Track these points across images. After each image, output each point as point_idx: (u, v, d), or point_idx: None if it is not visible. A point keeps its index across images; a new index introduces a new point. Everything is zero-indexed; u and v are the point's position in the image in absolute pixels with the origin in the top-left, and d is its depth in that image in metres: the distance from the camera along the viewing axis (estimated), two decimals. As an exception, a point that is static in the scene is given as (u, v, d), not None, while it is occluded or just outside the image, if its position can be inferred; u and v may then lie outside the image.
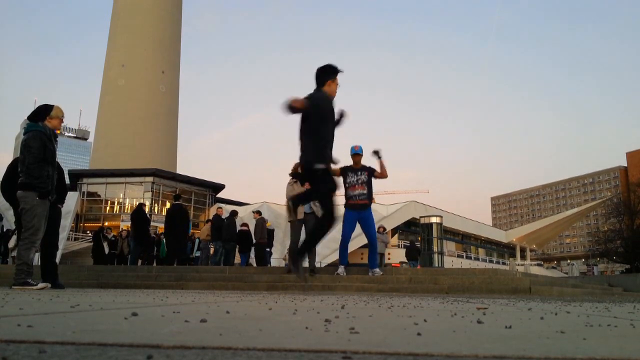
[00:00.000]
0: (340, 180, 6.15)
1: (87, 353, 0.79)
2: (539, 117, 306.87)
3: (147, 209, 16.45)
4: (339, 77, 3.91)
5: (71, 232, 32.05)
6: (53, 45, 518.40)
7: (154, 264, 13.13)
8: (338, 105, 3.98)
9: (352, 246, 6.77)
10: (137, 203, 13.32)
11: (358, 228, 6.47)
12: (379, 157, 6.11)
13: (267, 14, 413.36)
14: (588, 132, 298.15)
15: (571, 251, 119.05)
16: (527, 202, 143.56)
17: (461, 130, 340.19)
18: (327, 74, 3.85)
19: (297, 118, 3.82)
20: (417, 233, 32.21)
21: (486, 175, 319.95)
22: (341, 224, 5.67)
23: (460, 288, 5.92)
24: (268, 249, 13.50)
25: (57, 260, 5.51)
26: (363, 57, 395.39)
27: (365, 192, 6.29)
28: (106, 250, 13.44)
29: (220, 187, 41.17)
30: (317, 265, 7.98)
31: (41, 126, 4.67)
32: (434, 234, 25.40)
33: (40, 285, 4.47)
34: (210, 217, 15.99)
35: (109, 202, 38.45)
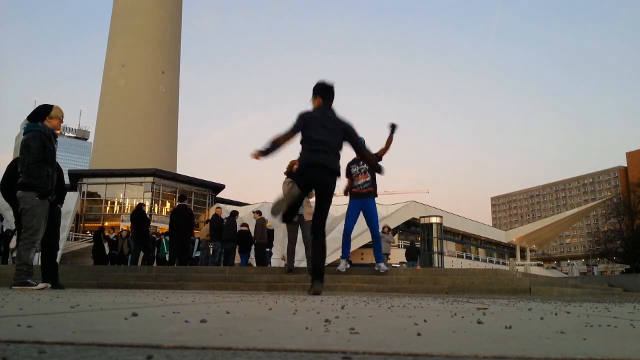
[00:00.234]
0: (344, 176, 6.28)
1: (87, 353, 0.79)
2: (539, 117, 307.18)
3: (147, 209, 16.46)
4: (322, 94, 4.19)
5: (71, 232, 32.04)
6: (53, 45, 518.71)
7: (154, 264, 13.14)
8: (339, 111, 4.21)
9: (353, 246, 6.75)
10: (137, 203, 13.32)
11: (359, 228, 6.47)
12: (392, 132, 6.22)
13: (267, 14, 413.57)
14: (588, 132, 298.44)
15: (571, 251, 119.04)
16: (527, 202, 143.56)
17: (461, 130, 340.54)
18: (313, 92, 4.23)
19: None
20: (417, 233, 32.21)
21: (486, 175, 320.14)
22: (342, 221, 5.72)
23: (460, 288, 5.92)
24: (268, 249, 13.50)
25: (57, 260, 5.52)
26: (363, 57, 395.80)
27: (368, 179, 6.32)
28: (107, 250, 13.44)
29: (220, 187, 41.19)
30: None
31: (41, 126, 4.67)
32: (434, 234, 25.39)
33: (40, 285, 4.47)
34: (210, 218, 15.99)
35: (109, 202, 38.46)
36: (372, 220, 6.45)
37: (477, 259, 52.61)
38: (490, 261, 53.79)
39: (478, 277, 6.54)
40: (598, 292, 8.11)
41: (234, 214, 12.49)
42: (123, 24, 55.59)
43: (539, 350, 0.90)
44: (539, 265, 64.84)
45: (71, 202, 31.00)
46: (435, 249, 24.95)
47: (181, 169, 66.13)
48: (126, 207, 36.84)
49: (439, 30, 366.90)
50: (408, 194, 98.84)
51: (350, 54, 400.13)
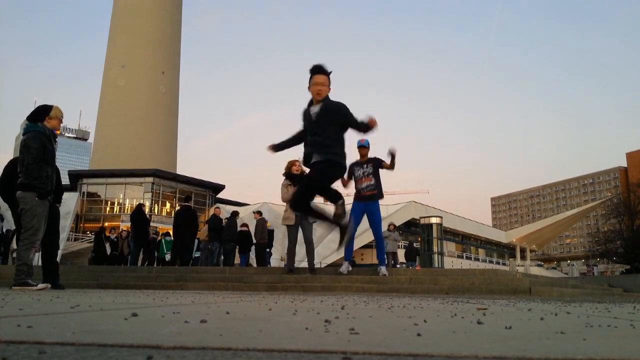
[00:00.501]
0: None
1: (87, 354, 0.79)
2: (539, 118, 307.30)
3: (146, 210, 16.47)
4: (317, 76, 3.73)
5: (71, 233, 32.03)
6: (53, 45, 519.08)
7: (154, 264, 13.14)
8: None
9: (354, 245, 6.76)
10: (137, 204, 13.32)
11: (359, 228, 6.46)
12: (393, 159, 6.01)
13: (267, 14, 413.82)
14: (588, 132, 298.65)
15: (571, 252, 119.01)
16: (527, 202, 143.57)
17: (461, 130, 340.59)
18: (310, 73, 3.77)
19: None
20: (417, 233, 32.20)
21: (486, 175, 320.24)
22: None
23: (460, 289, 5.92)
24: (268, 250, 13.49)
25: (58, 260, 5.51)
26: (363, 57, 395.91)
27: (372, 183, 6.32)
28: (108, 251, 13.43)
29: (220, 188, 41.17)
30: (317, 265, 7.97)
31: (40, 126, 4.67)
32: (434, 234, 25.38)
33: (40, 285, 4.46)
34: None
35: (109, 202, 38.44)
36: (375, 224, 6.46)
37: (477, 259, 52.61)
38: (490, 261, 53.79)
39: (478, 277, 6.54)
40: (598, 292, 8.10)
41: (235, 214, 12.49)
42: (123, 24, 55.60)
43: (539, 351, 0.90)
44: (539, 265, 64.87)
45: (71, 202, 31.00)
46: (435, 249, 24.94)
47: (181, 170, 66.25)
48: (126, 208, 36.81)
49: (439, 30, 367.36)
50: (408, 194, 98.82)
51: (350, 54, 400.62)
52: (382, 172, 6.43)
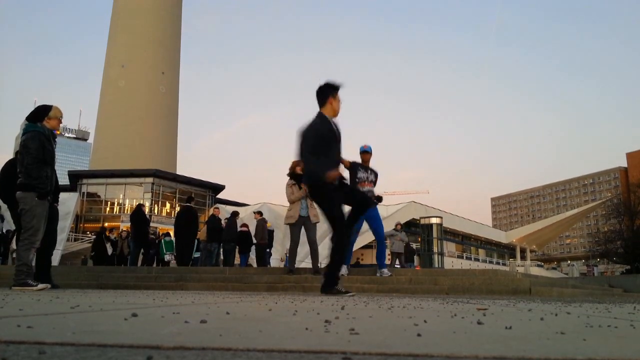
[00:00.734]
0: (347, 174, 6.24)
1: (87, 354, 0.79)
2: (539, 118, 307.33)
3: (146, 210, 16.46)
4: (340, 92, 4.01)
5: (71, 233, 32.01)
6: (53, 45, 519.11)
7: (154, 265, 13.13)
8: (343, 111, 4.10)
9: (354, 246, 6.76)
10: (137, 204, 13.32)
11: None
12: (377, 201, 6.21)
13: (267, 14, 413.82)
14: (588, 132, 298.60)
15: (571, 252, 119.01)
16: (527, 202, 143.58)
17: (461, 130, 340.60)
18: (327, 92, 3.98)
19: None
20: (417, 234, 32.21)
21: (486, 175, 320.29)
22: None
23: (461, 289, 5.92)
24: (268, 250, 13.49)
25: (57, 261, 5.51)
26: (363, 57, 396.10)
27: (373, 190, 6.34)
28: (109, 251, 13.41)
29: (220, 188, 41.17)
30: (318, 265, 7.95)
31: (40, 127, 4.67)
32: (434, 234, 25.39)
33: (40, 286, 4.46)
34: (210, 218, 15.96)
35: (109, 202, 38.44)
36: (377, 227, 6.47)
37: (477, 259, 52.62)
38: (490, 262, 53.80)
39: (478, 277, 6.54)
40: (598, 292, 8.10)
41: (235, 214, 12.48)
42: (123, 24, 55.62)
43: (539, 351, 0.90)
44: (539, 265, 64.86)
45: (71, 202, 30.97)
46: (435, 249, 24.94)
47: (181, 170, 66.28)
48: (126, 208, 36.81)
49: (439, 30, 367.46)
50: (408, 195, 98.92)
51: (350, 54, 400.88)
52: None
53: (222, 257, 12.14)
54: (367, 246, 23.84)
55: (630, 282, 17.20)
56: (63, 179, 38.36)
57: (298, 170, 6.16)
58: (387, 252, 9.84)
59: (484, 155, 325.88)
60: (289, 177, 6.79)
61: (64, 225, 29.53)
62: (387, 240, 13.21)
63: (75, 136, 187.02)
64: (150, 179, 37.27)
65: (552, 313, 2.12)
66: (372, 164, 6.50)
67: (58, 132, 5.05)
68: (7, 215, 14.23)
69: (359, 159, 6.41)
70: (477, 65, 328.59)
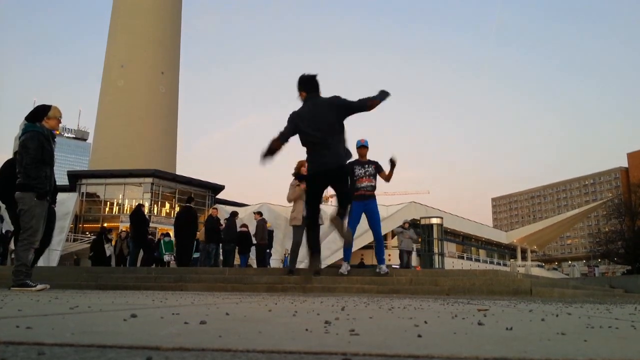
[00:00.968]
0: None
1: (86, 355, 0.78)
2: (540, 118, 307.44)
3: (146, 210, 16.47)
4: (306, 87, 4.22)
5: (70, 233, 32.02)
6: (53, 45, 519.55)
7: (154, 265, 13.11)
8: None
9: (354, 246, 6.74)
10: (136, 204, 13.31)
11: (359, 229, 6.45)
12: (393, 166, 6.00)
13: (267, 14, 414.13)
14: (589, 132, 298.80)
15: (572, 252, 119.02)
16: (527, 203, 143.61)
17: (461, 130, 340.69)
18: (297, 88, 4.24)
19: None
20: (418, 234, 32.15)
21: (487, 175, 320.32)
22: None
23: (461, 289, 5.91)
24: (268, 250, 13.48)
25: (56, 261, 5.50)
26: (363, 57, 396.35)
27: (372, 184, 6.30)
28: (107, 252, 13.37)
29: (219, 188, 41.18)
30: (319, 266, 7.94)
31: (39, 127, 4.66)
32: (435, 235, 25.36)
33: (39, 286, 4.46)
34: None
35: (108, 203, 38.42)
36: (375, 222, 6.43)
37: (477, 260, 52.60)
38: (491, 262, 53.79)
39: (479, 278, 6.53)
40: (599, 293, 8.09)
41: (234, 214, 12.48)
42: (123, 24, 55.63)
43: (540, 352, 0.90)
44: (539, 266, 64.81)
45: (70, 203, 31.02)
46: (435, 250, 24.92)
47: (181, 170, 66.29)
48: (125, 208, 36.79)
49: (439, 30, 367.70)
50: (408, 195, 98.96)
51: (350, 54, 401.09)
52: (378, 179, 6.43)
53: (221, 257, 12.13)
54: (368, 246, 23.83)
55: (631, 283, 17.21)
56: (62, 179, 38.40)
57: (303, 170, 6.14)
58: (387, 252, 9.80)
59: (484, 155, 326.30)
60: (294, 177, 6.76)
61: (63, 225, 29.60)
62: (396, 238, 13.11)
63: (74, 136, 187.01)
64: (149, 179, 37.26)
65: (553, 314, 2.11)
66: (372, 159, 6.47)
67: (57, 132, 5.05)
68: (7, 215, 14.23)
69: (356, 155, 6.40)
70: (477, 65, 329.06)
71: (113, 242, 13.64)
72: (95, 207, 38.52)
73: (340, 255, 8.77)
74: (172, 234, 12.35)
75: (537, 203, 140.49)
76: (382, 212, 36.25)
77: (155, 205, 37.27)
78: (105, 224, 30.10)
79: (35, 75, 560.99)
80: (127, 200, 37.74)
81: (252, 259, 13.93)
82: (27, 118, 4.77)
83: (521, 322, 1.65)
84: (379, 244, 6.65)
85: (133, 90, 52.97)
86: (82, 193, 37.02)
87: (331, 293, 5.49)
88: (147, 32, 55.19)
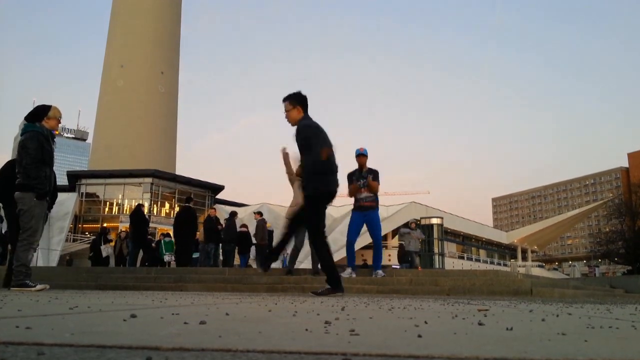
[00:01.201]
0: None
1: (86, 355, 0.78)
2: (540, 118, 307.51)
3: (145, 210, 16.49)
4: (304, 103, 4.25)
5: (70, 234, 32.03)
6: (52, 45, 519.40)
7: (147, 264, 13.10)
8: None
9: (355, 247, 6.72)
10: (136, 204, 13.32)
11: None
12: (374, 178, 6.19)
13: (267, 14, 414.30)
14: (589, 132, 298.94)
15: (572, 252, 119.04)
16: (528, 203, 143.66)
17: (461, 130, 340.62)
18: (295, 101, 4.23)
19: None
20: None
21: (487, 175, 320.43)
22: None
23: (461, 290, 5.91)
24: (268, 251, 13.47)
25: (55, 262, 5.50)
26: (363, 58, 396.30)
27: (372, 195, 6.28)
28: (104, 253, 13.35)
29: (219, 188, 41.18)
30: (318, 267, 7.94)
31: (38, 127, 4.66)
32: (435, 235, 25.34)
33: (39, 286, 4.46)
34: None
35: (108, 203, 38.43)
36: (375, 232, 6.44)
37: (478, 260, 52.62)
38: (492, 262, 53.82)
39: (479, 278, 6.53)
40: (599, 293, 8.10)
41: (233, 214, 12.48)
42: (122, 24, 55.65)
43: (540, 352, 0.90)
44: (540, 266, 64.84)
45: (70, 203, 31.03)
46: (435, 250, 24.90)
47: (180, 170, 66.25)
48: (125, 208, 36.79)
49: (439, 30, 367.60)
50: (408, 195, 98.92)
51: (350, 54, 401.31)
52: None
53: (221, 257, 12.13)
54: (368, 247, 23.83)
55: (631, 283, 17.20)
56: (62, 179, 38.37)
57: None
58: (387, 252, 9.75)
59: (484, 155, 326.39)
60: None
61: (63, 225, 29.62)
62: (402, 239, 12.98)
63: (74, 136, 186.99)
64: (149, 179, 37.27)
65: (553, 314, 2.11)
66: (372, 165, 6.44)
67: (57, 132, 5.05)
68: (7, 215, 14.22)
69: (355, 164, 6.37)
70: (477, 66, 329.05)
71: (112, 243, 13.63)
72: (95, 207, 38.53)
73: (339, 255, 8.76)
74: (172, 234, 12.35)
75: (537, 203, 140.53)
76: (383, 212, 36.22)
77: (154, 205, 37.28)
78: (105, 224, 30.14)
79: (35, 75, 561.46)
80: (126, 201, 37.74)
81: (252, 259, 13.93)
82: (26, 118, 4.77)
83: (521, 322, 1.65)
84: (377, 250, 6.66)
85: (132, 90, 52.97)
86: (82, 193, 37.03)
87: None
88: (146, 32, 55.19)
